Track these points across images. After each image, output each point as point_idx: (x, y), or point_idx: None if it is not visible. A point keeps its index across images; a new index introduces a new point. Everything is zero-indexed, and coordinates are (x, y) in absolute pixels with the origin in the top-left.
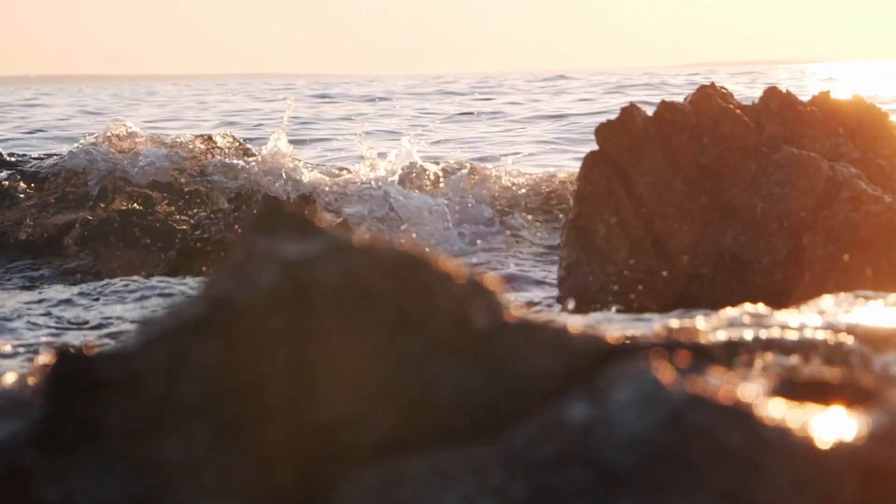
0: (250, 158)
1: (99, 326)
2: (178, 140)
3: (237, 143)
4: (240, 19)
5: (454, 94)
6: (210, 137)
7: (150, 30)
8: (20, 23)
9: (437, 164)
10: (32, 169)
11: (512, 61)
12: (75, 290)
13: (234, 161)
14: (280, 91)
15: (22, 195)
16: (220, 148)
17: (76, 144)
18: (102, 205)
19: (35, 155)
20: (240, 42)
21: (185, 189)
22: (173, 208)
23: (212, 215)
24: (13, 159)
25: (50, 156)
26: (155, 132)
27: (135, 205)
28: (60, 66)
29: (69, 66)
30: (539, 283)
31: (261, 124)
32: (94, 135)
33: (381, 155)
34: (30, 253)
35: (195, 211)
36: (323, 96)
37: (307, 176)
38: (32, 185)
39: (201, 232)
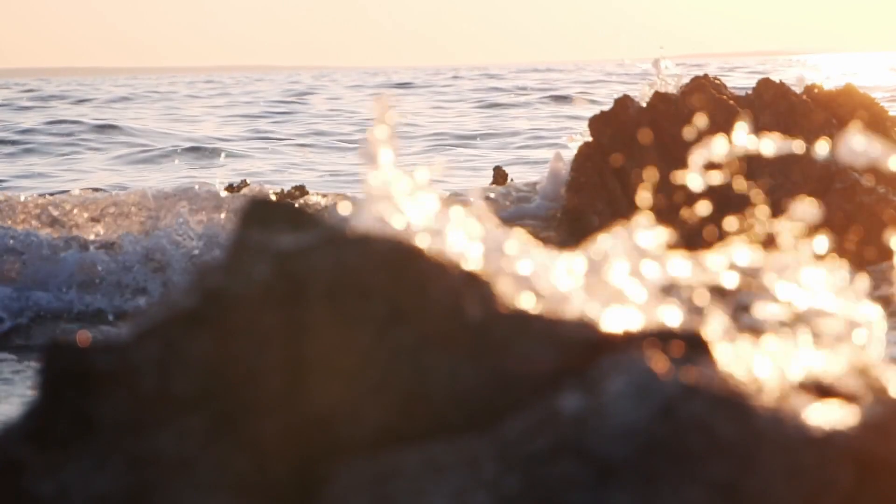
0: None
1: None
2: None
3: None
4: (236, 11)
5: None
6: None
7: (161, 22)
8: (33, 15)
9: None
10: None
11: (506, 53)
12: None
13: None
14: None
15: None
16: None
17: None
18: None
19: None
20: (236, 34)
21: None
22: None
23: None
24: None
25: None
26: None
27: None
28: (76, 59)
29: (82, 59)
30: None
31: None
32: None
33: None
34: None
35: None
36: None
37: None
38: None
39: None
